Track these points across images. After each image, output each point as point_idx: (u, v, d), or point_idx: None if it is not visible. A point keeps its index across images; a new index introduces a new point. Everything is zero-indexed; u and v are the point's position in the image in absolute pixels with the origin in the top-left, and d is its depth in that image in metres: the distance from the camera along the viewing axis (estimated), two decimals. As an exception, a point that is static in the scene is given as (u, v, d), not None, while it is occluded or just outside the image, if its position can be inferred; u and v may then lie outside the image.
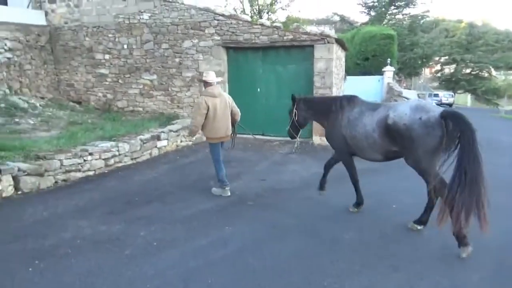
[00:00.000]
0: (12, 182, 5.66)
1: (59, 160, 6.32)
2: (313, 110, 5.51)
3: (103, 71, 12.39)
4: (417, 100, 4.50)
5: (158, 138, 8.65)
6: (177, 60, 11.39)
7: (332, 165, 5.43)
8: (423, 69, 34.72)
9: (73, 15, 12.46)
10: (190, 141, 9.94)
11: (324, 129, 5.40)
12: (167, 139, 8.97)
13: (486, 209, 3.78)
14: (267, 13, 26.24)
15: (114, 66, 12.18)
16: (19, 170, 5.70)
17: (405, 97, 16.76)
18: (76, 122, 10.09)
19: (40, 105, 11.09)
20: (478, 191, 3.80)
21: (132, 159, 7.94)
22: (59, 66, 12.91)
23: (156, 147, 8.60)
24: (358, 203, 5.33)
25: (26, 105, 10.57)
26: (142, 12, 11.52)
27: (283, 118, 10.88)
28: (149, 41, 11.61)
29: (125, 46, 11.94)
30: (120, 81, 12.20)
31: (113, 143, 7.56)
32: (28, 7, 12.80)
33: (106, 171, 7.25)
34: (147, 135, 8.29)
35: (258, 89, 10.98)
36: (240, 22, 10.60)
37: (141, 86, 11.84)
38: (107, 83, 12.39)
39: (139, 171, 7.33)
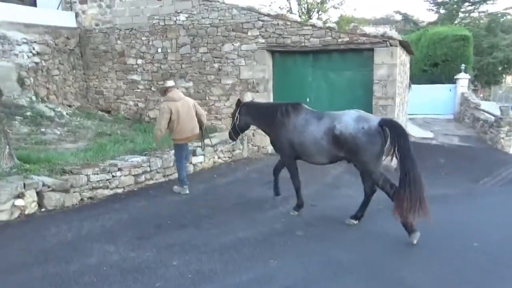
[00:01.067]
0: (36, 198, 5.90)
1: (86, 175, 6.53)
2: (256, 116, 6.55)
3: (135, 77, 12.84)
4: (356, 110, 5.62)
5: (193, 153, 8.76)
6: (216, 65, 11.60)
7: (280, 169, 6.67)
8: (504, 76, 33.21)
9: (104, 16, 13.09)
10: (228, 157, 10.01)
11: (269, 135, 6.42)
12: (203, 154, 9.12)
13: (427, 202, 5.03)
14: (317, 12, 26.31)
15: (147, 72, 12.60)
16: (43, 185, 5.94)
17: (483, 110, 16.02)
18: (105, 133, 10.46)
19: (67, 113, 11.65)
20: (419, 188, 5.02)
21: (164, 176, 8.07)
22: (88, 71, 13.54)
23: (191, 163, 8.71)
24: (299, 206, 6.37)
25: (52, 114, 11.14)
26: (178, 13, 11.90)
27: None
28: (186, 45, 11.93)
29: (159, 50, 12.34)
30: (153, 88, 12.58)
31: (144, 157, 7.74)
32: (58, 8, 13.61)
33: (136, 189, 7.41)
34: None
35: (307, 99, 10.93)
36: (288, 23, 10.65)
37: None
38: (138, 90, 12.83)
39: (171, 190, 7.44)
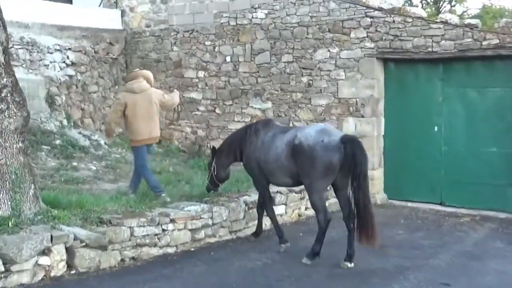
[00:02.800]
0: (65, 256, 6.20)
1: (128, 227, 6.79)
2: (227, 148, 8.08)
3: (194, 95, 13.38)
4: (324, 124, 7.37)
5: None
6: (304, 79, 11.77)
7: (263, 207, 8.08)
8: None
9: (158, 15, 13.92)
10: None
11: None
12: (285, 203, 9.09)
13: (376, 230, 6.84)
14: (450, 3, 25.77)
15: (210, 88, 13.08)
16: (75, 238, 6.25)
17: None
18: (153, 170, 10.86)
19: (105, 143, 12.36)
20: (369, 216, 6.80)
21: (231, 232, 8.20)
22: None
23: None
24: (281, 238, 7.80)
25: (87, 143, 11.86)
26: (255, 9, 12.32)
27: (479, 177, 10.69)
28: (264, 51, 12.26)
29: (228, 59, 12.80)
30: (217, 110, 13.00)
31: (204, 206, 7.93)
32: (100, 5, 14.70)
33: (193, 249, 7.56)
34: (255, 196, 8.52)
35: (435, 128, 10.66)
36: (409, 20, 10.58)
37: (248, 119, 12.42)
38: (198, 113, 13.29)
39: (240, 252, 7.48)
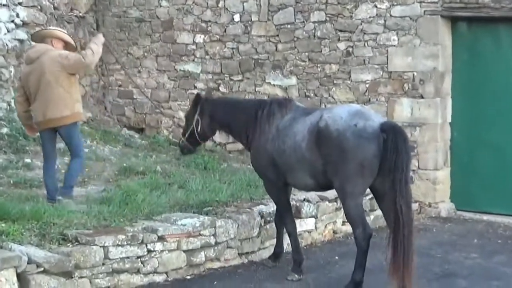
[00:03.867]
0: (16, 285, 6.15)
1: (101, 246, 6.76)
2: (226, 118, 8.09)
3: (189, 67, 13.42)
4: (359, 105, 7.25)
5: (297, 212, 8.81)
6: (342, 46, 11.73)
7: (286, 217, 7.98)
8: None
9: (141, -44, 13.93)
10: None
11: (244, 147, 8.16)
12: (314, 216, 9.11)
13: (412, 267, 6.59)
14: None
15: (213, 58, 13.10)
16: (29, 261, 6.21)
17: None
18: (134, 169, 10.92)
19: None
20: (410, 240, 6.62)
21: (241, 254, 8.19)
22: (107, 57, 14.29)
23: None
24: (298, 262, 7.74)
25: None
26: None
27: None
28: (286, 7, 12.22)
29: (237, 18, 12.80)
30: (222, 88, 13.05)
31: (205, 218, 7.91)
32: None
33: (189, 277, 7.53)
34: (274, 206, 8.50)
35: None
36: (488, -38, 10.48)
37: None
38: (196, 92, 13.27)
39: (254, 282, 7.47)
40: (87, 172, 10.58)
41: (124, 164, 11.23)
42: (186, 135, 8.35)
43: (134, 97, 14.16)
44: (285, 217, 7.94)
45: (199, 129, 8.13)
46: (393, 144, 6.61)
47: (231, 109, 8.19)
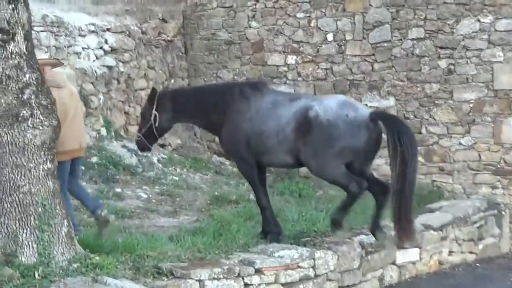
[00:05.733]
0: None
1: (197, 280, 6.80)
2: (190, 106, 8.49)
3: (281, 90, 13.37)
4: (342, 96, 8.17)
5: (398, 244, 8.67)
6: (442, 63, 11.66)
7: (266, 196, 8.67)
8: None
9: (229, -23, 14.12)
10: (470, 252, 9.85)
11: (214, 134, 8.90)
12: (418, 247, 8.96)
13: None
14: None
15: (305, 79, 13.19)
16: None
17: None
18: (227, 198, 11.07)
19: (159, 160, 12.62)
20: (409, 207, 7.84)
21: (341, 287, 8.11)
22: (196, 81, 14.55)
23: (393, 263, 8.72)
24: (272, 233, 8.41)
25: (134, 160, 12.11)
26: (369, -37, 12.29)
27: None
28: (382, 25, 12.26)
29: (330, 37, 12.87)
30: (315, 111, 13.01)
31: (303, 250, 7.86)
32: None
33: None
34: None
35: None
36: None
37: (361, 123, 12.34)
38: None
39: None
40: (179, 202, 10.74)
41: (216, 193, 11.35)
42: (143, 131, 8.69)
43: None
44: (257, 192, 8.56)
45: (157, 124, 8.51)
46: (394, 129, 7.61)
47: (195, 96, 8.76)
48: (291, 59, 13.27)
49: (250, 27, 13.78)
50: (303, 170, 12.87)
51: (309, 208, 10.13)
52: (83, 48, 12.97)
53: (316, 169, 8.11)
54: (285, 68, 13.35)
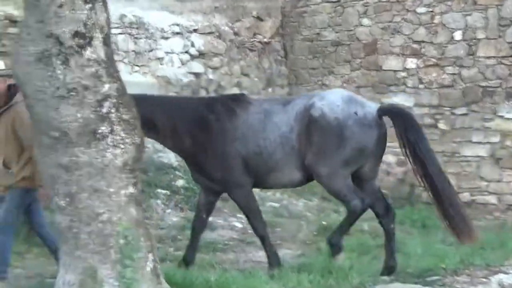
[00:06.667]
0: None
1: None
2: (158, 121, 8.39)
3: (399, 99, 13.48)
4: (343, 90, 8.70)
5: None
6: None
7: (202, 220, 8.94)
8: None
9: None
10: None
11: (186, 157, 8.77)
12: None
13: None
14: None
15: (429, 87, 13.11)
16: None
17: None
18: (328, 227, 11.01)
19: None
20: (454, 197, 8.51)
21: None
22: (298, 90, 14.58)
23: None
24: (274, 264, 8.59)
25: (227, 183, 12.20)
26: None
27: None
28: (524, 19, 11.97)
29: (457, 36, 12.79)
30: (441, 124, 13.04)
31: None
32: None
33: None
34: (517, 273, 8.32)
35: None
36: None
37: (496, 138, 12.14)
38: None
39: None
40: (280, 233, 10.78)
41: (323, 222, 11.34)
42: None
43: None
44: (257, 221, 8.76)
45: None
46: (402, 126, 8.20)
47: (164, 108, 8.61)
48: (411, 63, 13.18)
49: (361, 25, 13.77)
50: (424, 195, 12.83)
51: (435, 241, 10.01)
52: (166, 53, 13.22)
53: (324, 175, 8.30)
54: (404, 74, 13.27)
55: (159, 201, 11.11)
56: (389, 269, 8.36)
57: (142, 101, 8.24)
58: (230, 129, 8.27)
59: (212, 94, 13.52)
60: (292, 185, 9.13)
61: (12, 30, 11.54)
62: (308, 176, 8.53)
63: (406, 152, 8.25)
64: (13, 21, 11.59)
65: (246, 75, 14.28)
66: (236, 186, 8.51)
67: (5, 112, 7.80)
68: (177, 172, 11.87)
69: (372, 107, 8.33)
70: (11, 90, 7.91)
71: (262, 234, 8.66)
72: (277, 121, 8.23)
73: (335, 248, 8.51)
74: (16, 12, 11.60)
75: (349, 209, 8.41)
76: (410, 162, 8.27)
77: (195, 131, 8.37)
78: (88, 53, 6.48)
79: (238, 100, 8.66)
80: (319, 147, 8.08)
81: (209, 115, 8.38)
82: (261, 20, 14.61)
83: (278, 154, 8.21)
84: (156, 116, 8.43)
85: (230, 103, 8.50)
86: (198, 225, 8.89)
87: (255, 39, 14.46)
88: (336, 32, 14.10)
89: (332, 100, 8.18)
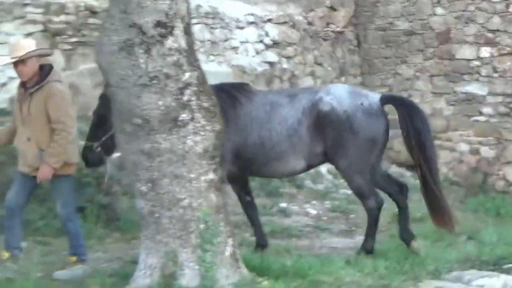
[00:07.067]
0: None
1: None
2: None
3: (472, 89, 13.37)
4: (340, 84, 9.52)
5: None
6: None
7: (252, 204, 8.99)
8: None
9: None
10: None
11: None
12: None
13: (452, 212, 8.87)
14: None
15: (503, 75, 12.95)
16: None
17: None
18: (410, 215, 10.87)
19: (329, 170, 12.76)
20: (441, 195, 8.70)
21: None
22: (371, 79, 14.48)
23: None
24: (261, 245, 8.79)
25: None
26: None
27: None
28: None
29: (534, 25, 12.45)
30: (517, 116, 12.67)
31: (506, 277, 7.65)
32: None
33: None
34: None
35: None
36: None
37: None
38: (482, 119, 13.08)
39: None
40: (353, 219, 10.73)
41: (397, 210, 11.24)
42: (102, 141, 8.32)
43: (404, 127, 14.16)
44: (247, 204, 8.88)
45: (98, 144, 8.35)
46: (405, 114, 8.40)
47: None
48: (485, 52, 13.00)
49: (435, 14, 13.62)
50: (500, 183, 12.65)
51: (510, 229, 9.84)
52: (241, 42, 13.25)
53: (343, 167, 8.52)
54: (478, 63, 13.08)
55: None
56: (405, 240, 8.59)
57: None
58: (231, 119, 8.21)
59: (287, 85, 13.60)
60: (294, 173, 9.30)
61: (92, 20, 11.76)
62: (310, 165, 8.71)
63: (409, 139, 8.41)
64: (93, 12, 11.74)
65: (319, 64, 14.25)
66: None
67: (38, 91, 7.73)
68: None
69: (375, 97, 8.56)
70: (44, 70, 7.86)
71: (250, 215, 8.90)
72: (284, 113, 8.31)
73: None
74: (96, 3, 11.78)
75: (366, 208, 8.55)
76: (412, 148, 8.45)
77: None
78: (169, 42, 6.55)
79: (240, 88, 8.68)
80: (333, 141, 8.22)
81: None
82: (335, 10, 14.56)
83: (283, 145, 8.28)
84: None
85: (234, 91, 8.50)
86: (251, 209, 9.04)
87: (329, 28, 14.43)
88: (409, 22, 13.97)
89: (339, 94, 8.30)
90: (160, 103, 6.48)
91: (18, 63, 7.65)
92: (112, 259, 8.63)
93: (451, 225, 8.60)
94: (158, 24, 6.48)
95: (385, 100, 8.52)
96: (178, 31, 6.62)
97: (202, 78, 6.88)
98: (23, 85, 7.82)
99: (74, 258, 7.79)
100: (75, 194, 8.28)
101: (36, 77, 7.77)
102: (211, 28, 12.69)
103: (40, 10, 11.25)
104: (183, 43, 6.69)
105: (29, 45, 7.90)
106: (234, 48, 13.16)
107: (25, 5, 11.12)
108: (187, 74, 6.66)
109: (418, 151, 8.37)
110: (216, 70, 12.33)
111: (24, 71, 7.67)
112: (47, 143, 7.60)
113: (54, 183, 7.87)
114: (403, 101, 8.89)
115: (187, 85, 6.65)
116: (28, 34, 11.12)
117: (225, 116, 7.84)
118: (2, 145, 8.54)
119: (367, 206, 8.47)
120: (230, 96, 8.41)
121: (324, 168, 12.65)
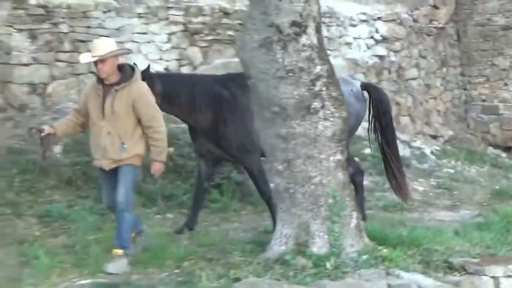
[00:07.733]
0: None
1: (492, 277, 6.89)
2: (182, 96, 8.50)
3: None
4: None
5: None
6: None
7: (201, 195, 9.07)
8: None
9: None
10: None
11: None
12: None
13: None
14: None
15: None
16: (418, 291, 6.51)
17: None
18: (508, 192, 11.09)
19: (432, 151, 12.96)
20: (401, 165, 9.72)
21: None
22: (470, 69, 14.58)
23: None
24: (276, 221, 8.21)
25: (407, 152, 12.46)
26: None
27: None
28: None
29: None
30: None
31: None
32: None
33: None
34: None
35: None
36: None
37: None
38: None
39: None
40: (457, 195, 10.92)
41: (496, 187, 11.39)
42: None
43: (500, 112, 14.20)
44: (267, 185, 8.35)
45: None
46: (378, 97, 9.53)
47: (187, 86, 8.62)
48: None
49: (533, 9, 13.59)
50: None
51: None
52: (354, 38, 13.49)
53: None
54: None
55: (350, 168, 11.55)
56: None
57: (169, 78, 9.15)
58: (245, 103, 8.31)
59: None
60: None
61: (225, 20, 12.30)
62: None
63: (374, 121, 9.47)
64: (226, 13, 12.25)
65: (423, 57, 14.38)
66: (251, 153, 8.64)
67: (124, 89, 7.63)
68: (364, 142, 12.17)
69: (357, 84, 9.51)
70: (125, 69, 7.81)
71: (270, 195, 8.24)
72: None
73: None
74: (228, 5, 12.30)
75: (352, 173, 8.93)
76: (374, 129, 9.55)
77: (214, 106, 8.49)
78: (303, 39, 6.92)
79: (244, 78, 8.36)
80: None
81: (230, 91, 8.66)
82: (437, 8, 14.63)
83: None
84: (182, 93, 8.58)
85: (242, 81, 8.13)
86: (200, 193, 8.98)
87: (432, 25, 14.51)
88: (506, 18, 13.95)
89: None
90: (295, 93, 6.87)
91: (98, 62, 7.61)
92: (247, 229, 9.00)
93: (409, 195, 9.56)
94: (294, 23, 6.86)
95: (363, 87, 9.52)
96: (311, 29, 6.98)
97: (331, 71, 7.20)
98: (101, 81, 7.74)
99: (120, 252, 7.63)
100: (135, 186, 8.34)
101: (114, 75, 7.73)
102: (328, 26, 12.95)
103: (181, 13, 11.90)
104: (314, 40, 7.04)
105: (109, 45, 7.85)
106: (348, 44, 13.44)
107: (169, 8, 11.79)
108: (318, 68, 7.03)
109: (380, 131, 9.51)
110: (332, 64, 12.63)
111: (104, 69, 7.61)
112: (129, 137, 7.62)
113: (122, 172, 7.74)
114: (375, 88, 9.89)
115: (319, 77, 7.00)
116: (171, 34, 11.81)
117: (239, 102, 8.60)
118: (67, 136, 8.86)
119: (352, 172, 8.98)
120: (240, 85, 8.61)
121: (428, 149, 12.87)
